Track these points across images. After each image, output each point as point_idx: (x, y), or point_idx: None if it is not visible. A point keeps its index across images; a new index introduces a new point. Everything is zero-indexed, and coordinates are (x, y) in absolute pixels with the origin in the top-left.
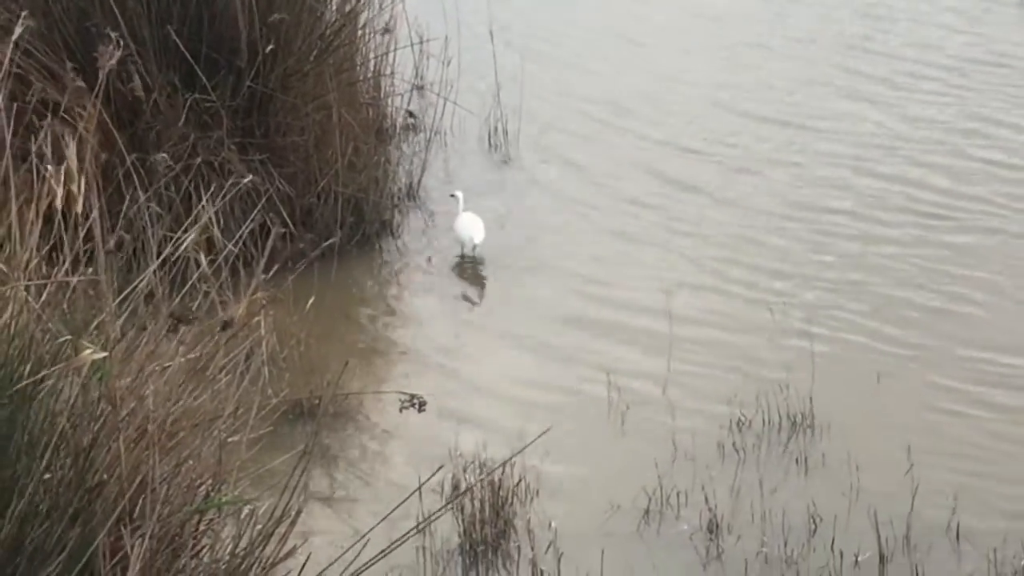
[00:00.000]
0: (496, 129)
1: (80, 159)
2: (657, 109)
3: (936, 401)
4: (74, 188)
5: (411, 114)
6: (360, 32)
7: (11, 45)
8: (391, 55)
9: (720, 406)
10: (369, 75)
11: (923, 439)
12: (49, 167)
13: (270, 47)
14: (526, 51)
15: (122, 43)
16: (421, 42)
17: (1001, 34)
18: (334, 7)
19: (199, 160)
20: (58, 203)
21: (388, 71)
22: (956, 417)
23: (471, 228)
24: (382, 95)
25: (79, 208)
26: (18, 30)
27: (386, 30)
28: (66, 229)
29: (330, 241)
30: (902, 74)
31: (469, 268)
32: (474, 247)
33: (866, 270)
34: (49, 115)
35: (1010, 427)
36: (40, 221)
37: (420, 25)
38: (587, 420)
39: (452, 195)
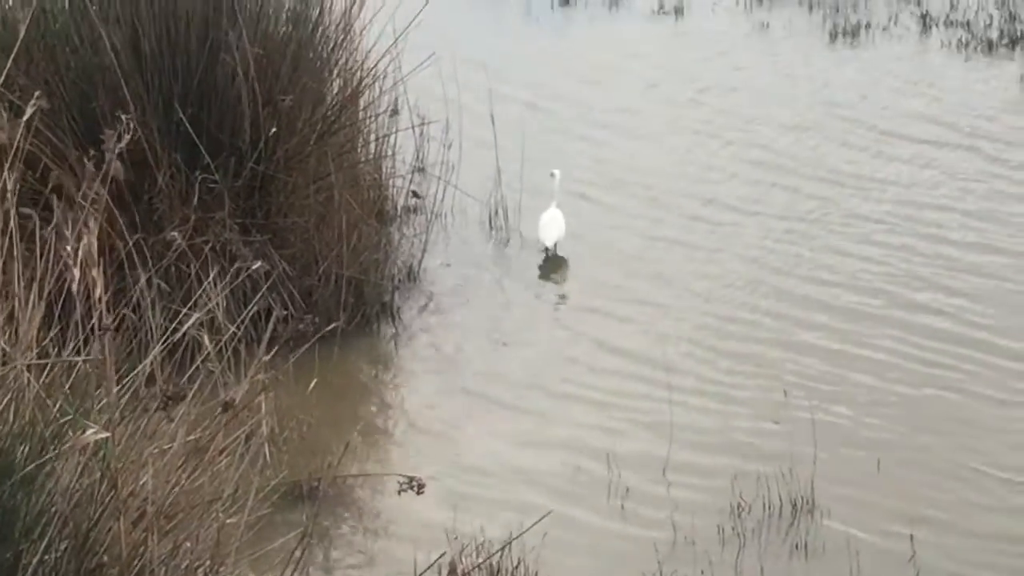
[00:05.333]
0: (497, 212)
1: (89, 243)
2: (658, 188)
3: (938, 487)
4: (95, 272)
5: (415, 194)
6: (361, 114)
7: (20, 126)
8: (392, 137)
9: (721, 489)
10: (370, 157)
11: (925, 525)
12: (68, 248)
13: (273, 130)
14: (528, 133)
15: (131, 126)
16: (423, 124)
17: None
18: (335, 89)
19: (201, 241)
20: (75, 287)
21: (389, 153)
22: (959, 503)
23: (545, 229)
24: (383, 177)
25: (99, 294)
26: (29, 111)
27: (394, 111)
28: (70, 310)
29: (332, 325)
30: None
31: (468, 349)
32: (546, 249)
33: (869, 353)
34: (53, 197)
35: (1015, 519)
36: (43, 302)
37: (421, 107)
38: (587, 501)
39: (551, 174)
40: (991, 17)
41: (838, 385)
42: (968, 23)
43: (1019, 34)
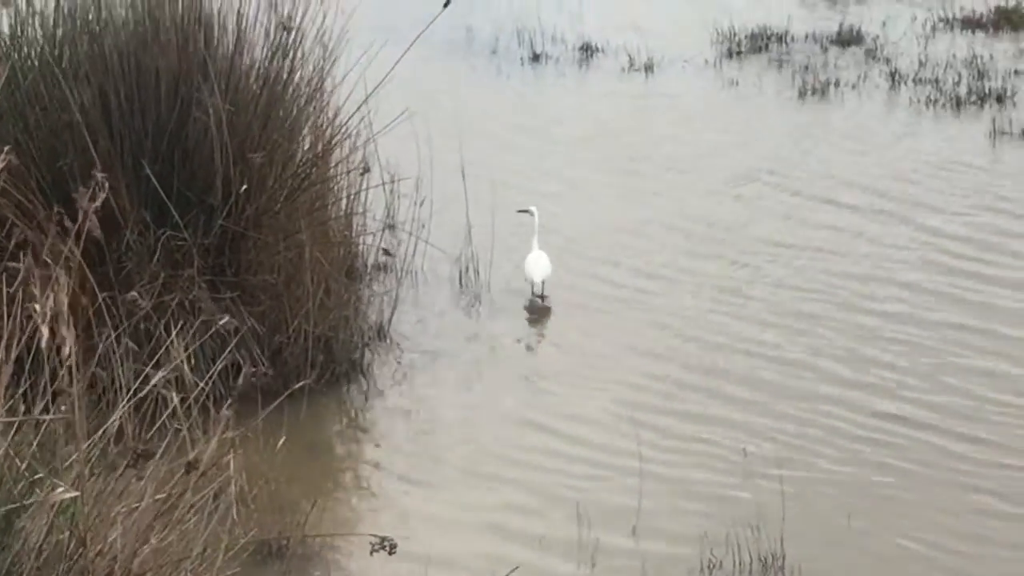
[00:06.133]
0: (467, 269)
1: (59, 301)
2: (630, 246)
3: (908, 542)
4: (64, 331)
5: (387, 252)
6: (332, 171)
7: None
8: (363, 194)
9: (691, 546)
10: (341, 214)
11: None
12: (36, 306)
13: (244, 187)
14: (499, 190)
15: (105, 184)
16: (393, 181)
17: None
18: (306, 146)
19: (170, 298)
20: (43, 344)
21: (360, 210)
22: (927, 559)
23: (532, 268)
24: (354, 234)
25: (67, 351)
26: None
27: (365, 170)
28: (43, 368)
29: (301, 383)
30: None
31: (437, 407)
32: (538, 286)
33: (837, 409)
34: (21, 254)
35: (982, 569)
36: (11, 360)
37: (392, 164)
38: (556, 558)
39: (526, 211)
40: (959, 75)
41: (807, 442)
42: (937, 80)
43: (987, 91)
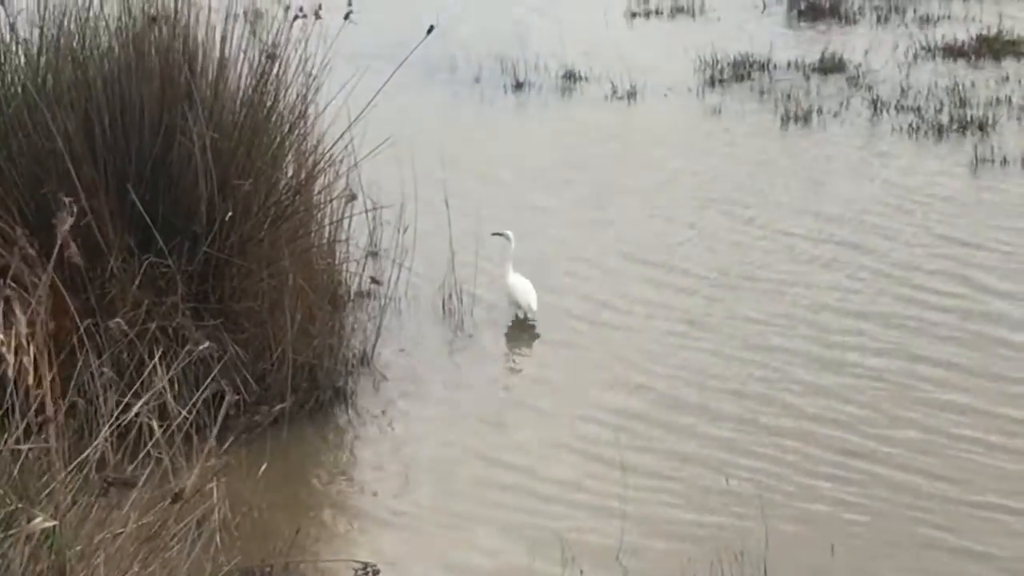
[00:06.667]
0: (451, 296)
1: (31, 330)
2: (594, 277)
3: (890, 573)
4: (25, 360)
5: (375, 280)
6: (316, 198)
7: None
8: (346, 221)
9: (674, 574)
10: (324, 241)
11: None
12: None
13: (230, 214)
14: (478, 219)
15: (76, 208)
16: (375, 208)
17: None
18: (289, 173)
19: (153, 325)
20: (10, 372)
21: (343, 238)
22: None
23: (528, 295)
24: (337, 261)
25: (31, 380)
26: None
27: (351, 198)
28: (17, 395)
29: (280, 406)
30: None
31: (420, 435)
32: (532, 312)
33: (819, 442)
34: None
35: None
36: None
37: (375, 191)
38: None
39: (501, 234)
40: (941, 103)
41: (790, 472)
42: (919, 108)
43: (969, 119)
